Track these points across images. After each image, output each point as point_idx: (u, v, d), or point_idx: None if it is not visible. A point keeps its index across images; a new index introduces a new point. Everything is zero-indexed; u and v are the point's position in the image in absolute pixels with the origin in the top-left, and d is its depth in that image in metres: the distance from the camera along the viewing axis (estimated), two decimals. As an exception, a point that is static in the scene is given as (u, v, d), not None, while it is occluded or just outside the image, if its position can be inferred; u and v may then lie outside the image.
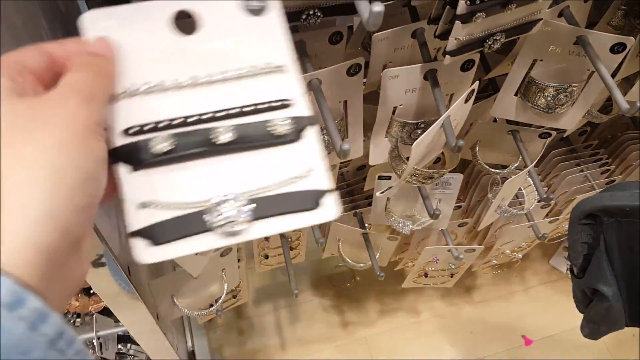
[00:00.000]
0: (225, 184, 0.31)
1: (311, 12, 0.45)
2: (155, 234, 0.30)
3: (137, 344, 0.85)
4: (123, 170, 0.30)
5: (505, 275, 1.30)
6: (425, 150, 0.58)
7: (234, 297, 0.87)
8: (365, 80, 0.59)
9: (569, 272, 0.58)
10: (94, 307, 0.87)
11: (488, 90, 0.80)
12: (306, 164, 0.32)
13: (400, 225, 0.79)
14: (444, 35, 0.48)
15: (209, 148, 0.31)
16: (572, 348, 1.20)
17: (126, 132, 0.31)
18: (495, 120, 0.77)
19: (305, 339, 1.19)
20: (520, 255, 1.06)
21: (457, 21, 0.45)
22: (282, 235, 0.86)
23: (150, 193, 0.30)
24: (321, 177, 0.32)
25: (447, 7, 0.46)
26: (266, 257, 0.93)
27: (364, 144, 0.63)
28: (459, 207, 0.97)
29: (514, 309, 1.27)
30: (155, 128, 0.31)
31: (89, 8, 0.48)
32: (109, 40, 0.31)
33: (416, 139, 0.53)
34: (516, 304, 1.28)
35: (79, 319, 0.94)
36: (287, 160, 0.32)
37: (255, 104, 0.32)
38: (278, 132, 0.31)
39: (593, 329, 0.61)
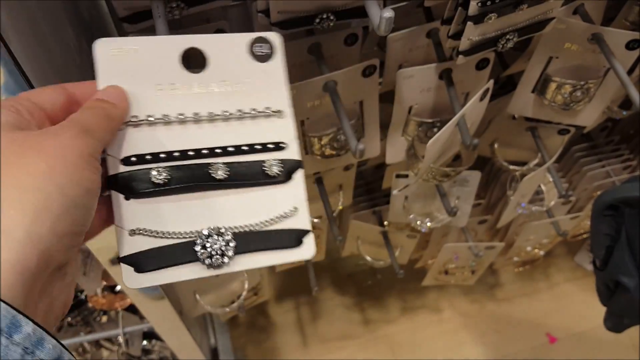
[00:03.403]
0: (215, 217, 0.33)
1: (324, 16, 0.46)
2: (140, 262, 0.31)
3: (162, 340, 0.87)
4: (119, 197, 0.32)
5: (529, 273, 1.30)
6: (441, 148, 0.59)
7: (255, 294, 0.89)
8: (381, 80, 0.60)
9: (592, 264, 0.58)
10: (119, 303, 0.89)
11: (507, 86, 0.80)
12: (292, 204, 0.34)
13: (419, 223, 0.79)
14: (458, 36, 0.49)
15: (203, 183, 0.32)
16: (598, 346, 1.18)
17: (126, 160, 0.32)
18: (514, 117, 0.77)
19: (326, 336, 1.20)
20: (543, 253, 1.06)
21: (469, 22, 0.46)
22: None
23: (142, 221, 0.32)
24: (304, 217, 0.34)
25: (460, 8, 0.46)
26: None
27: (381, 143, 0.64)
28: (479, 204, 0.97)
29: (538, 306, 1.26)
30: (155, 159, 0.32)
31: (113, 19, 0.50)
32: (121, 89, 0.32)
33: (432, 137, 0.54)
34: (540, 302, 1.27)
35: (105, 316, 0.97)
36: (275, 199, 0.34)
37: (252, 144, 0.34)
38: (271, 172, 0.33)
39: (616, 321, 0.60)
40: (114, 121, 0.31)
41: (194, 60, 0.34)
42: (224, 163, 0.33)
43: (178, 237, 0.32)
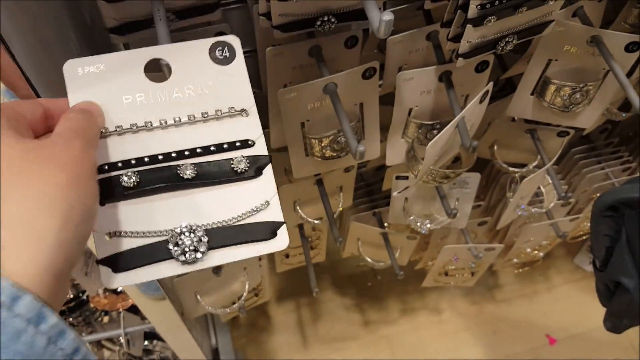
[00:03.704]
0: (187, 216, 0.34)
1: (325, 19, 0.46)
2: (117, 263, 0.32)
3: (163, 341, 0.87)
4: None
5: (528, 274, 1.30)
6: (441, 150, 0.59)
7: (256, 295, 0.89)
8: (381, 82, 0.61)
9: (592, 265, 0.58)
10: (121, 304, 0.90)
11: (507, 88, 0.80)
12: (263, 198, 0.35)
13: (419, 224, 0.80)
14: (457, 38, 0.49)
15: (173, 183, 0.34)
16: (597, 347, 1.19)
17: (99, 169, 0.33)
18: (513, 120, 0.78)
19: (327, 337, 1.20)
20: (542, 254, 1.06)
21: (468, 25, 0.46)
22: (302, 235, 0.88)
23: (117, 224, 0.33)
24: (276, 210, 0.35)
25: (459, 11, 0.47)
26: (287, 256, 0.94)
27: (381, 145, 0.64)
28: (479, 206, 0.97)
29: (538, 307, 1.27)
30: (125, 165, 0.34)
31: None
32: (95, 103, 0.34)
33: (432, 139, 0.54)
34: (540, 303, 1.27)
35: (106, 316, 0.97)
36: (246, 195, 0.35)
37: (220, 144, 0.36)
38: (239, 169, 0.35)
39: (616, 322, 0.60)
40: (98, 129, 0.34)
41: (161, 70, 0.37)
42: (192, 163, 0.35)
43: (152, 237, 0.33)
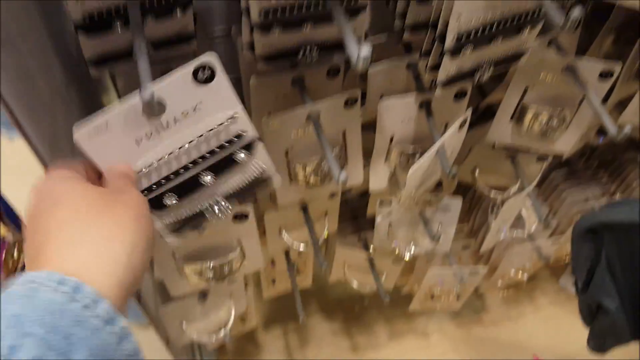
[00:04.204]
0: (213, 194, 0.46)
1: (308, 49, 0.48)
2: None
3: (148, 370, 0.86)
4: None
5: (514, 296, 1.30)
6: (422, 176, 0.60)
7: (242, 320, 0.89)
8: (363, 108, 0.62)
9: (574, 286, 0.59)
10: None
11: (487, 114, 0.82)
12: (262, 168, 0.47)
13: (402, 249, 0.80)
14: (436, 68, 0.51)
15: (201, 189, 0.45)
16: (584, 368, 1.19)
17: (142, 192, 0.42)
18: (494, 145, 0.79)
19: (315, 363, 1.19)
20: (526, 276, 1.07)
21: (446, 55, 0.48)
22: (288, 260, 0.88)
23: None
24: (272, 170, 0.48)
25: (436, 42, 0.48)
26: (273, 281, 0.94)
27: (365, 171, 0.65)
28: (463, 229, 0.98)
29: (524, 329, 1.27)
30: (157, 185, 0.43)
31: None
32: (128, 165, 0.41)
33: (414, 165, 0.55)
34: (526, 325, 1.28)
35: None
36: (250, 170, 0.46)
37: (221, 145, 0.44)
38: (239, 159, 0.45)
39: (599, 343, 0.61)
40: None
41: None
42: (207, 168, 0.44)
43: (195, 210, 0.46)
